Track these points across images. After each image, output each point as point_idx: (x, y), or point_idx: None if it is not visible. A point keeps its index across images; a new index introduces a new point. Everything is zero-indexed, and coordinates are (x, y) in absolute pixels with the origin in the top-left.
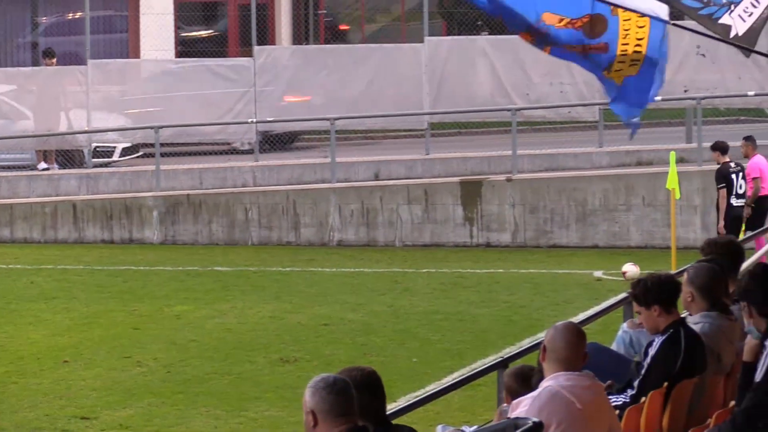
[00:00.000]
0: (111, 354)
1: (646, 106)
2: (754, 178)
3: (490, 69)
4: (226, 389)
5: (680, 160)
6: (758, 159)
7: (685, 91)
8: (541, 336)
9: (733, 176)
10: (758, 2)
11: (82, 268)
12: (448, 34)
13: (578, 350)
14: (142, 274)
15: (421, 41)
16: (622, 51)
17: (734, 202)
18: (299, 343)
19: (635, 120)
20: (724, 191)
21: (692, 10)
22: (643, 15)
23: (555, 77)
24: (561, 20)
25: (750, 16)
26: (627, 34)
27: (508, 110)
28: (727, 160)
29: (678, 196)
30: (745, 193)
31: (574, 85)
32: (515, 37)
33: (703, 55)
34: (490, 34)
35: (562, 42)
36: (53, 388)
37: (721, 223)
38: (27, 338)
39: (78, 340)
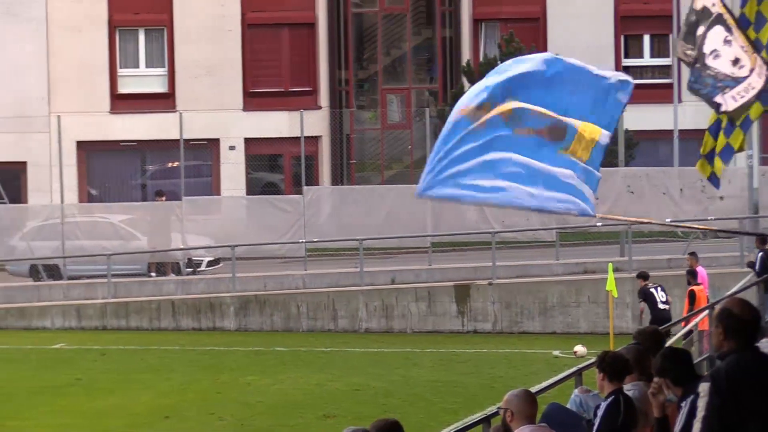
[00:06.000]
0: (200, 411)
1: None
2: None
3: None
4: None
5: (616, 270)
6: (701, 269)
7: None
8: None
9: (653, 290)
10: (747, 91)
11: (178, 349)
12: None
13: (536, 406)
14: (222, 353)
15: None
16: (580, 133)
17: (661, 306)
18: (337, 403)
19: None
20: (644, 304)
21: (696, 91)
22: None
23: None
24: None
25: (742, 98)
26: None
27: (489, 233)
28: (646, 283)
29: (615, 295)
30: (668, 300)
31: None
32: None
33: (632, 192)
34: None
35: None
36: None
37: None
38: (139, 400)
39: (176, 401)
